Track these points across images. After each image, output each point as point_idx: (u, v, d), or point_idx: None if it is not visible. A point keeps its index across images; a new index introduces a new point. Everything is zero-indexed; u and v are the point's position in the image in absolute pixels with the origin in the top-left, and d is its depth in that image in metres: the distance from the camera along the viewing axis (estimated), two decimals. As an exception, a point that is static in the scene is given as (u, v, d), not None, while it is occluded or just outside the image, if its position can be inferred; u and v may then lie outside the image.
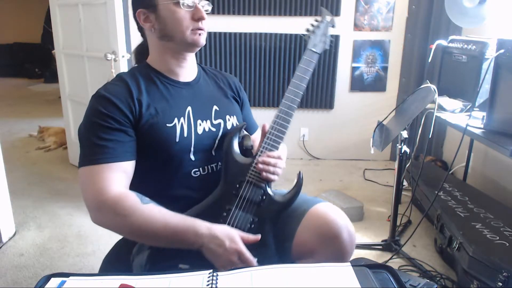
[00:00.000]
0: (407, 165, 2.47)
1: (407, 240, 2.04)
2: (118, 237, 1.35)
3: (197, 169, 1.10)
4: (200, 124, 1.12)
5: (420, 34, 3.25)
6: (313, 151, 3.62)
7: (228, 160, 1.08)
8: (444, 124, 2.34)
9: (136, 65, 1.18)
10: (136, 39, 1.22)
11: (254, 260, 0.96)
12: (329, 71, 3.40)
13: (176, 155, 1.07)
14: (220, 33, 3.30)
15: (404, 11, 3.30)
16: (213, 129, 1.14)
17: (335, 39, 3.31)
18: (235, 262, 0.94)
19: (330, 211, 1.11)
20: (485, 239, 1.74)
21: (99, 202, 0.93)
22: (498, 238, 1.74)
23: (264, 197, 1.05)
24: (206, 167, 1.12)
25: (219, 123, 1.15)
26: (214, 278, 0.74)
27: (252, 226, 1.04)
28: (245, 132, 1.10)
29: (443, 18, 3.01)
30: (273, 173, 1.07)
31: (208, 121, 1.14)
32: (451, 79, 2.33)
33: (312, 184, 3.03)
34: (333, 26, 1.24)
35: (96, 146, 0.97)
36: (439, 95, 2.02)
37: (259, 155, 1.08)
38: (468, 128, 1.77)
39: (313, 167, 3.47)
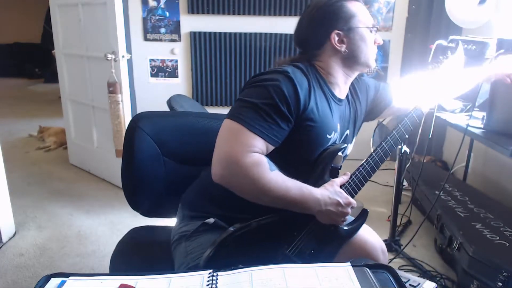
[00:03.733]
0: (407, 165, 2.46)
1: (409, 242, 2.03)
2: (118, 236, 1.36)
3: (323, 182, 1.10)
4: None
5: (420, 34, 3.24)
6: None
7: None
8: (444, 124, 2.33)
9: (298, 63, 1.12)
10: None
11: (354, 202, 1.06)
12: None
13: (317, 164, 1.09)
14: (220, 33, 3.30)
15: (404, 11, 3.30)
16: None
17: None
18: (349, 213, 1.04)
19: (368, 237, 1.21)
20: (485, 239, 1.74)
21: (235, 162, 0.94)
22: (498, 238, 1.74)
23: (333, 228, 1.09)
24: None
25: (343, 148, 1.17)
26: (214, 278, 0.74)
27: (312, 251, 1.06)
28: (339, 154, 1.10)
29: (443, 18, 3.01)
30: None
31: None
32: (451, 79, 2.32)
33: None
34: None
35: (258, 115, 0.97)
36: (439, 95, 2.02)
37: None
38: (468, 128, 1.77)
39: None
